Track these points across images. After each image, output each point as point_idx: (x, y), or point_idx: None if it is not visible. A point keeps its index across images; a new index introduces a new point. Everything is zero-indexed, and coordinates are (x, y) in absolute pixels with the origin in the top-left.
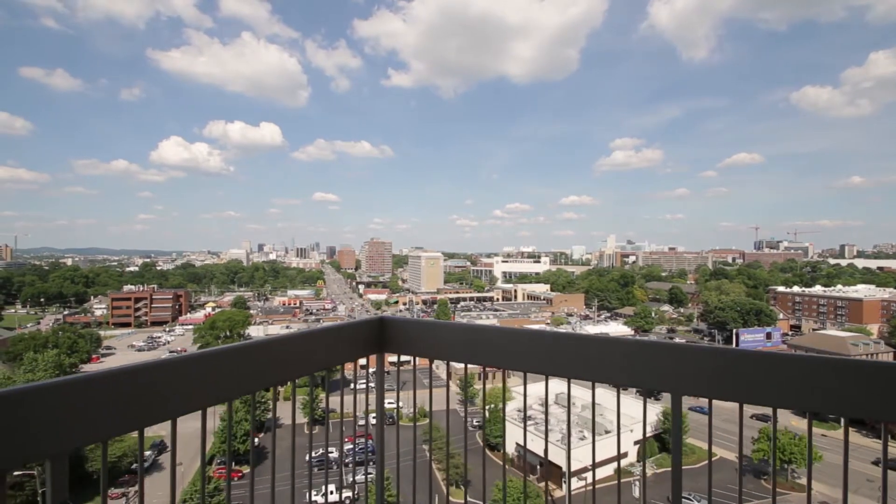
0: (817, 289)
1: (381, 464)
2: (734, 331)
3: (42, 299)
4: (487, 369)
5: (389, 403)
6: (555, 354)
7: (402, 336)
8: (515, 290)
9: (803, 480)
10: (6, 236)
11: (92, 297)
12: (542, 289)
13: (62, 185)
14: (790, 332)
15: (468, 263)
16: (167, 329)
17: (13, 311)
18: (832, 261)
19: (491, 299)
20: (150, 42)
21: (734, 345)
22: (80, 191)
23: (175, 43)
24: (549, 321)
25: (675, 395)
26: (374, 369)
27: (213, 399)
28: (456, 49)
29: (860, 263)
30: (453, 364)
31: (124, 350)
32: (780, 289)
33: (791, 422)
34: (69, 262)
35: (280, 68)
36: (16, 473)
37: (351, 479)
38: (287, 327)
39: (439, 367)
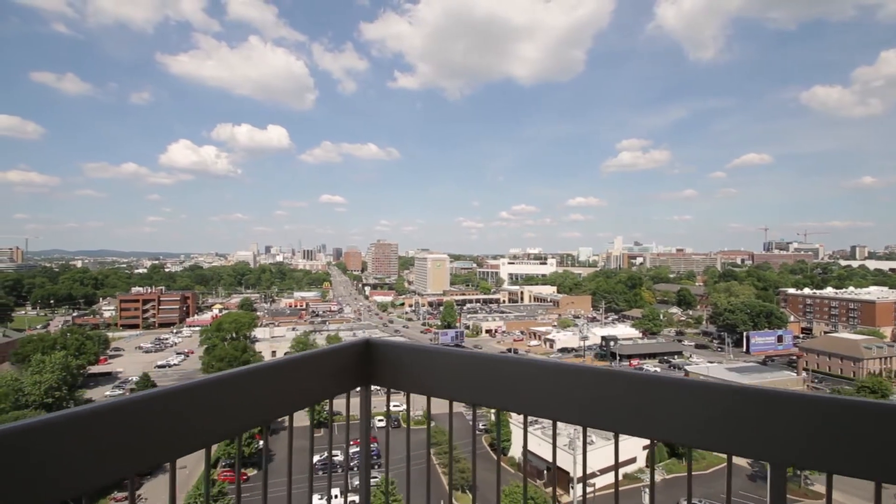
0: (828, 291)
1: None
2: (744, 333)
3: (52, 301)
4: None
5: (395, 406)
6: (599, 400)
7: (393, 364)
8: (522, 292)
9: (816, 487)
10: (17, 239)
11: (101, 299)
12: (548, 290)
13: (72, 188)
14: (801, 335)
15: (474, 265)
16: (175, 330)
17: (23, 312)
18: (843, 262)
19: (497, 301)
20: (159, 46)
21: (744, 347)
22: (89, 193)
23: (183, 47)
24: (555, 323)
25: (777, 468)
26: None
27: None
28: (462, 51)
29: (872, 265)
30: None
31: (132, 351)
32: (791, 291)
33: None
34: (79, 264)
35: (287, 71)
36: None
37: (344, 483)
38: (293, 329)
39: None
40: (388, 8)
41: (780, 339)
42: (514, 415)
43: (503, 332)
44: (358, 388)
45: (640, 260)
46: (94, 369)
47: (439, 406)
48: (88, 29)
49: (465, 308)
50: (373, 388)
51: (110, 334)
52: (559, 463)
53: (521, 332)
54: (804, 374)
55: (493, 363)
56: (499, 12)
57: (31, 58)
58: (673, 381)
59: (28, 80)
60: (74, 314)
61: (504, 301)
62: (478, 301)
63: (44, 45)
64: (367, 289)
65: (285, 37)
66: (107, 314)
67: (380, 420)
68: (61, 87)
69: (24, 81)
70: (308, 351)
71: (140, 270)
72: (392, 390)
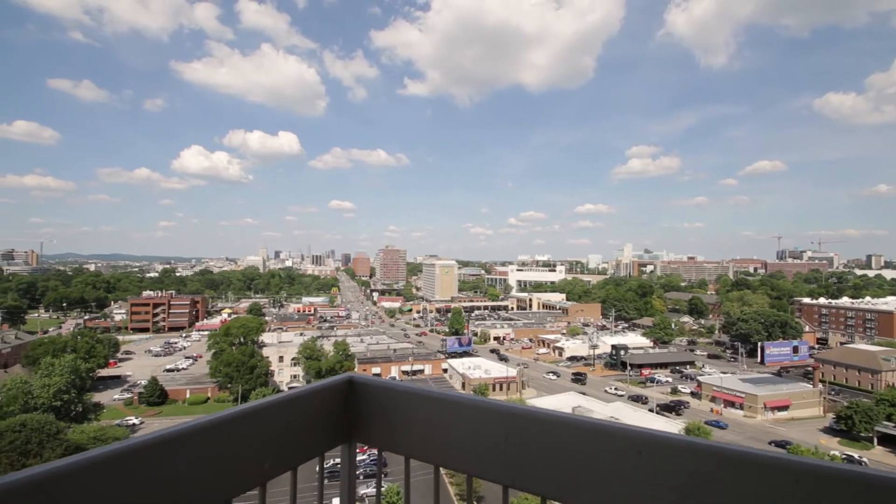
0: (844, 300)
1: None
2: (759, 344)
3: (64, 304)
4: (506, 380)
5: None
6: (689, 488)
7: (386, 412)
8: (530, 300)
9: None
10: (33, 242)
11: (112, 302)
12: (557, 298)
13: (87, 192)
14: (816, 346)
15: (482, 272)
16: (184, 335)
17: (36, 315)
18: (859, 271)
19: (505, 308)
20: (174, 54)
21: (758, 358)
22: (104, 198)
23: (197, 55)
24: (564, 331)
25: None
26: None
27: None
28: (472, 58)
29: (888, 274)
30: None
31: (142, 355)
32: (806, 300)
33: (820, 440)
34: (92, 267)
35: (299, 78)
36: None
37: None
38: (301, 334)
39: (452, 377)
40: (399, 16)
41: (795, 349)
42: None
43: (511, 339)
44: (338, 448)
45: (650, 268)
46: (104, 372)
47: None
48: (105, 37)
49: (473, 315)
50: (358, 445)
51: (121, 337)
52: None
53: (530, 340)
54: (820, 385)
55: (538, 423)
56: (509, 20)
57: (49, 65)
58: (819, 469)
59: (45, 86)
60: (86, 317)
61: (512, 308)
62: (486, 308)
63: (61, 53)
64: (375, 294)
65: (297, 44)
66: (118, 317)
67: None
68: (77, 93)
69: (41, 88)
70: (270, 398)
71: (151, 274)
72: (384, 451)
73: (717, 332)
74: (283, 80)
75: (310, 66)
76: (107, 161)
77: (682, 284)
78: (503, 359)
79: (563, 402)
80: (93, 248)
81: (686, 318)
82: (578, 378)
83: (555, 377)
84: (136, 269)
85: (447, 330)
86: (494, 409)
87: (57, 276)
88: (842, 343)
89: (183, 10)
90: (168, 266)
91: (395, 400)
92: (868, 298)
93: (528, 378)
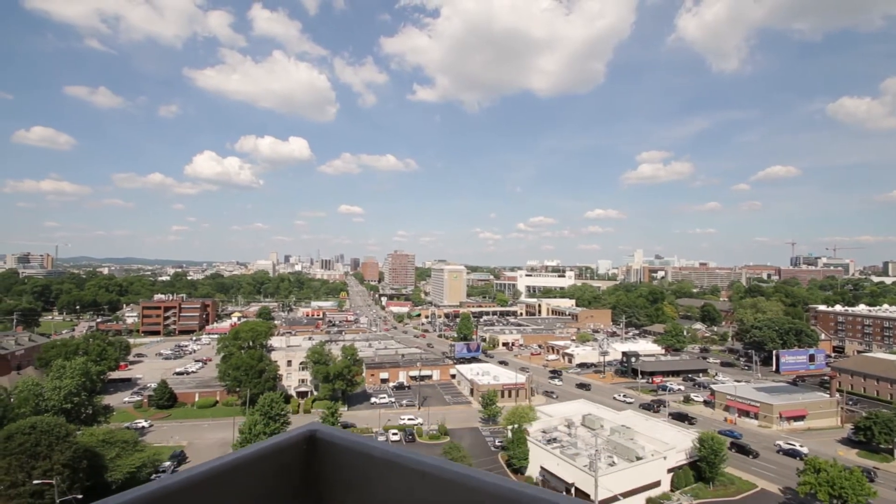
0: (861, 308)
1: None
2: (774, 352)
3: (77, 307)
4: (514, 386)
5: (410, 419)
6: None
7: (357, 483)
8: (539, 305)
9: None
10: (48, 246)
11: (125, 305)
12: (567, 303)
13: (101, 197)
14: (832, 354)
15: (491, 277)
16: (194, 338)
17: (50, 317)
18: (875, 278)
19: (514, 313)
20: (187, 61)
21: (773, 366)
22: (118, 203)
23: (210, 62)
24: (574, 337)
25: None
26: None
27: None
28: (481, 64)
29: None
30: (478, 385)
31: (153, 358)
32: (821, 307)
33: (839, 451)
34: (105, 270)
35: (309, 85)
36: (35, 482)
37: None
38: (310, 339)
39: (461, 383)
40: (408, 22)
41: (811, 358)
42: (531, 430)
43: (520, 345)
44: None
45: (661, 273)
46: (115, 375)
47: (455, 421)
48: (120, 44)
49: (481, 320)
50: None
51: (132, 340)
52: (579, 485)
53: (539, 346)
54: (838, 395)
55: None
56: (519, 26)
57: (66, 72)
58: None
59: (62, 93)
60: (99, 320)
61: (521, 314)
62: (495, 313)
63: (78, 60)
64: (384, 299)
65: (308, 51)
66: (130, 320)
67: (394, 434)
68: (93, 99)
69: (58, 95)
70: (203, 467)
71: (163, 278)
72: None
73: (730, 339)
74: (294, 87)
75: (320, 73)
76: (121, 166)
77: (694, 291)
78: (502, 363)
79: (574, 409)
80: (106, 251)
81: (698, 325)
82: (576, 384)
83: (559, 382)
84: (149, 273)
85: (455, 335)
86: (519, 498)
87: (71, 280)
88: (859, 351)
89: (196, 17)
90: (180, 270)
91: (373, 467)
92: (886, 306)
93: (535, 384)
